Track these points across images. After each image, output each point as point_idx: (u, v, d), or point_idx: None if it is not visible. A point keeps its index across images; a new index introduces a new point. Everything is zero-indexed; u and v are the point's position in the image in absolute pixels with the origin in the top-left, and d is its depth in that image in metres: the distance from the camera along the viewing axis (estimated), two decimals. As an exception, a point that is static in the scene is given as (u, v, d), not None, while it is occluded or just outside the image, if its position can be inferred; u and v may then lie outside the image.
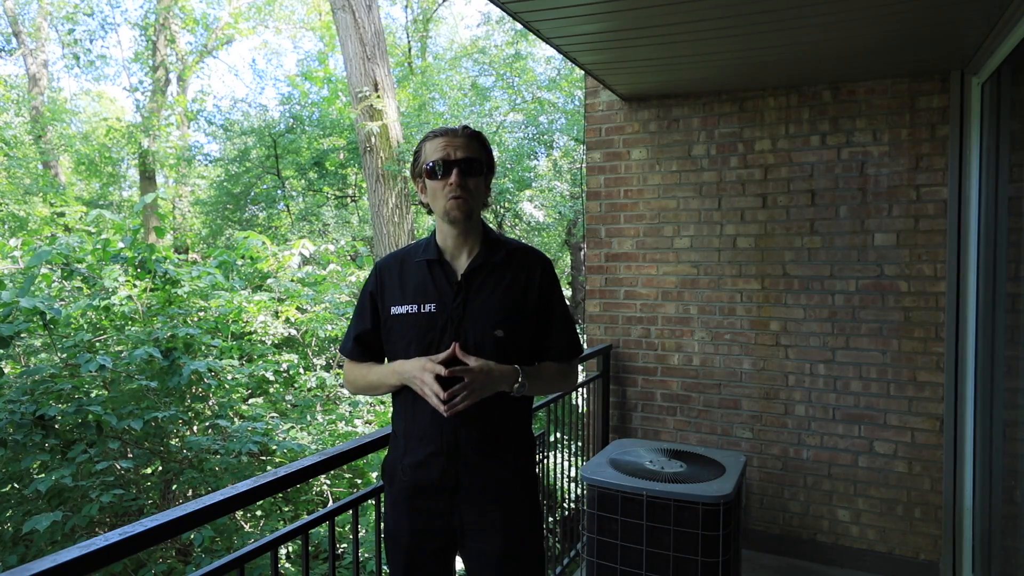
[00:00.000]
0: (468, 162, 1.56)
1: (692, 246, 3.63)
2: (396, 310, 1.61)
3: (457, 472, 1.58)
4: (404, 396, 1.64)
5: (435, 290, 1.59)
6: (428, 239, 1.68)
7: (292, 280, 6.33)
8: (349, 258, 9.98)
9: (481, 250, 1.63)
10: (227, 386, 5.22)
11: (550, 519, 3.64)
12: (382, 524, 1.78)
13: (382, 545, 1.80)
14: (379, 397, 5.67)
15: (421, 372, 1.50)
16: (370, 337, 1.68)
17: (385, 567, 1.75)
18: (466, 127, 1.62)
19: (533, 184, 10.67)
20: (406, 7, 15.57)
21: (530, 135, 11.44)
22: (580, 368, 5.37)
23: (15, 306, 4.25)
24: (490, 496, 1.59)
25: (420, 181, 1.62)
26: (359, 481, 5.40)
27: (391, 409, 1.77)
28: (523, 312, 1.61)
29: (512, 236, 11.47)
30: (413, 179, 1.65)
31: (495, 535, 1.59)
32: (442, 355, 1.50)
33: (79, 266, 5.10)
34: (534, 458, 1.73)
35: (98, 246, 5.19)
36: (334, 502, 5.11)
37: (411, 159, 1.65)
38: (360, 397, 5.76)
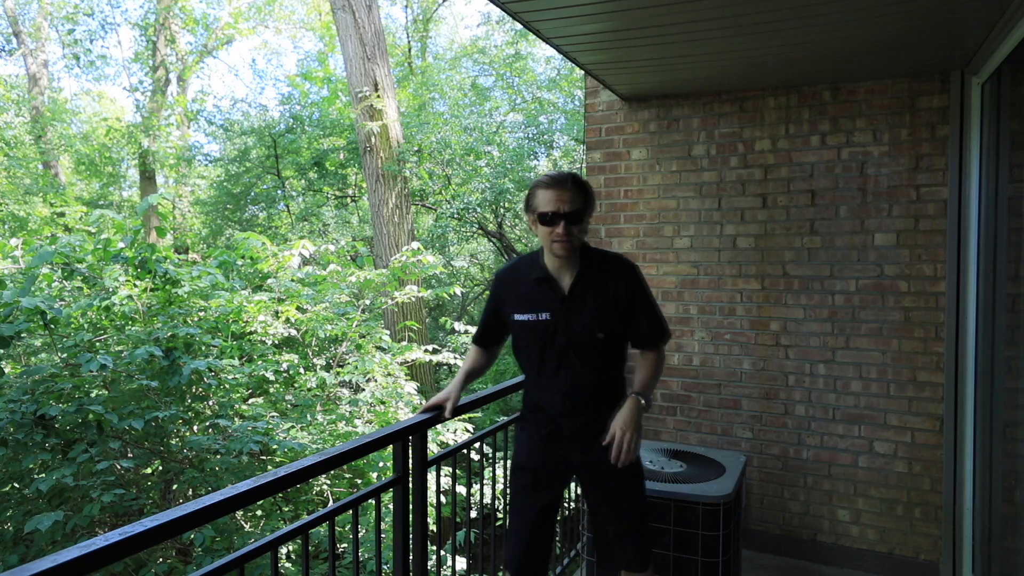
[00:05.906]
0: (574, 214, 1.92)
1: (692, 246, 3.63)
2: (519, 317, 2.06)
3: (567, 437, 2.07)
4: (526, 363, 2.12)
5: (546, 303, 2.02)
6: (536, 258, 2.08)
7: (292, 280, 6.32)
8: (349, 258, 9.97)
9: (581, 269, 2.02)
10: (227, 386, 5.22)
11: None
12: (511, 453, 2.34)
13: (382, 545, 1.82)
14: (379, 397, 5.74)
15: None
16: (491, 330, 2.24)
17: (385, 567, 1.76)
18: (574, 178, 1.96)
19: (533, 184, 10.64)
20: (406, 7, 15.57)
21: (530, 135, 11.43)
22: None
23: (16, 306, 4.25)
24: (597, 444, 2.00)
25: (532, 216, 1.99)
26: (359, 481, 5.40)
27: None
28: (617, 314, 2.02)
29: (512, 236, 11.49)
30: (526, 213, 2.03)
31: (606, 471, 2.00)
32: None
33: (80, 266, 5.10)
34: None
35: (99, 246, 5.17)
36: (334, 502, 5.12)
37: (525, 197, 2.04)
38: (360, 396, 5.80)
